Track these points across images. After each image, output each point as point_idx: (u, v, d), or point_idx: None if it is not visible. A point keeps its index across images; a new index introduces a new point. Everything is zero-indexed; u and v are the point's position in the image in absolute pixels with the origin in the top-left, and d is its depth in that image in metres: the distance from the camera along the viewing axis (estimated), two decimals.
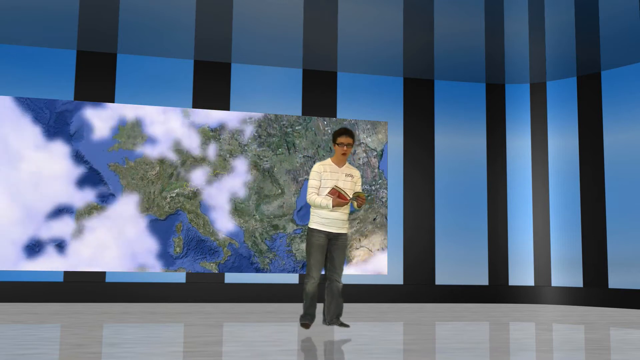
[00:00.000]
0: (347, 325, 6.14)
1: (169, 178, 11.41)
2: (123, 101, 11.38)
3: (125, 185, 11.22)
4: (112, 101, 11.35)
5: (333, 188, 6.05)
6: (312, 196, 6.15)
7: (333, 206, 6.04)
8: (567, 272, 12.19)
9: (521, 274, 12.52)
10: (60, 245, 10.88)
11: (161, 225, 11.30)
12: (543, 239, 12.50)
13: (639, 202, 11.40)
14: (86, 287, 10.94)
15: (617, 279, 11.54)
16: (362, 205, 6.10)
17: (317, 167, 6.20)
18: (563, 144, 12.50)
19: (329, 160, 6.26)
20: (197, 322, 7.33)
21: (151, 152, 11.35)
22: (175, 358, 4.43)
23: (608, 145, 11.90)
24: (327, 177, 6.16)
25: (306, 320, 6.17)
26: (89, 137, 11.19)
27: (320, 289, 11.39)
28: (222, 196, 11.55)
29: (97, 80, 11.36)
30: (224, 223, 11.51)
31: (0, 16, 9.95)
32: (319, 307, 10.42)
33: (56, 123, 11.09)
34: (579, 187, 12.19)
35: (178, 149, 11.46)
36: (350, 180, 6.21)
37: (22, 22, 10.14)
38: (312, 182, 6.18)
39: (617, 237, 11.60)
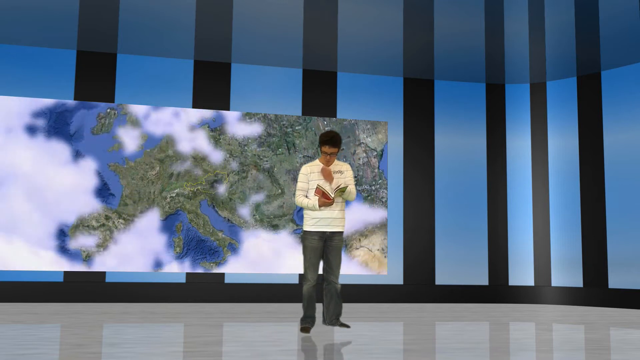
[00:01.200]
0: (347, 326, 6.12)
1: (169, 178, 11.41)
2: (123, 101, 11.38)
3: (125, 185, 11.22)
4: (112, 101, 11.35)
5: (317, 187, 6.04)
6: (299, 198, 6.16)
7: (320, 206, 6.04)
8: (567, 272, 12.19)
9: (521, 274, 12.52)
10: (60, 245, 10.88)
11: (161, 225, 11.29)
12: (543, 239, 12.50)
13: (639, 202, 11.40)
14: (86, 287, 10.94)
15: (617, 279, 11.54)
16: (343, 193, 6.04)
17: (305, 169, 6.21)
18: (563, 144, 12.50)
19: (316, 161, 6.26)
20: (197, 322, 7.33)
21: (150, 151, 11.35)
22: (175, 358, 4.43)
23: (608, 145, 11.90)
24: (315, 177, 6.16)
25: (306, 324, 6.16)
26: (89, 137, 11.19)
27: (319, 290, 11.39)
28: (219, 194, 11.55)
29: (97, 80, 11.36)
30: (224, 222, 11.51)
31: (0, 16, 9.95)
32: (319, 307, 10.42)
33: (56, 123, 11.09)
34: (579, 187, 12.19)
35: (176, 149, 11.46)
36: (340, 177, 6.19)
37: (22, 22, 10.15)
38: (299, 184, 6.19)
39: (617, 237, 11.60)
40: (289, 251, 11.70)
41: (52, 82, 11.17)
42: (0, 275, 10.67)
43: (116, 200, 11.16)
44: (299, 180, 6.22)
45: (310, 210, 6.12)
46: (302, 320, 6.20)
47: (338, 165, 6.26)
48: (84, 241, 10.97)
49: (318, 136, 12.03)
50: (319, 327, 6.95)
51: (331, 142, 6.08)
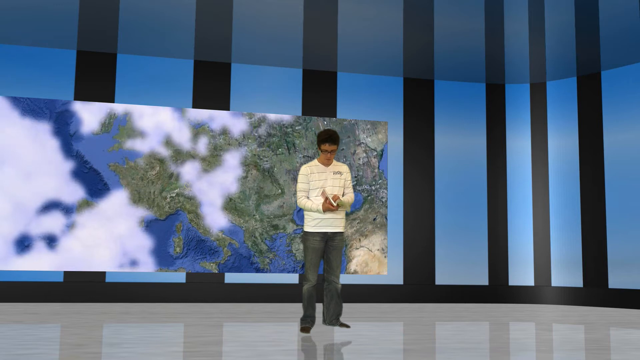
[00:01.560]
0: (347, 326, 6.12)
1: (169, 178, 11.41)
2: (123, 101, 11.39)
3: (125, 185, 11.22)
4: (112, 101, 11.35)
5: (323, 191, 6.05)
6: (302, 200, 6.13)
7: (324, 210, 6.03)
8: (567, 272, 12.19)
9: (521, 274, 12.52)
10: (51, 243, 10.88)
11: (161, 225, 11.30)
12: (543, 239, 12.50)
13: (639, 202, 11.40)
14: (86, 287, 10.94)
15: (617, 279, 11.54)
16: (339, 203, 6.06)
17: (304, 169, 6.19)
18: (563, 144, 12.50)
19: (315, 162, 6.24)
20: (197, 322, 7.33)
21: (151, 151, 11.35)
22: (175, 358, 4.43)
23: (608, 145, 11.90)
24: (315, 178, 6.15)
25: (306, 324, 6.16)
26: (89, 137, 11.19)
27: (319, 290, 11.39)
28: (220, 195, 11.55)
29: (97, 80, 11.36)
30: (222, 221, 11.51)
31: (0, 16, 9.95)
32: (319, 307, 10.42)
33: (56, 123, 11.09)
34: (579, 187, 12.19)
35: (177, 148, 11.46)
36: (339, 178, 6.19)
37: (22, 22, 10.15)
38: (300, 185, 6.17)
39: (617, 237, 11.60)
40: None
41: (52, 82, 11.17)
42: (0, 275, 10.67)
43: (116, 200, 11.15)
44: (299, 181, 6.21)
45: (314, 212, 6.11)
46: (302, 320, 6.21)
47: (337, 166, 6.26)
48: (83, 241, 10.97)
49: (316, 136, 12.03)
50: (319, 327, 6.95)
51: (331, 140, 6.08)
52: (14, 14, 9.86)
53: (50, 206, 10.93)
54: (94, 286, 10.97)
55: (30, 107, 11.03)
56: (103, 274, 11.02)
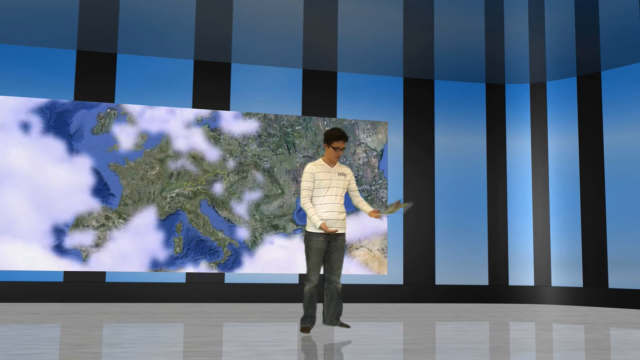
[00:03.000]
0: (347, 326, 6.12)
1: (169, 178, 11.41)
2: (123, 101, 11.39)
3: (125, 185, 11.22)
4: (112, 101, 11.35)
5: (324, 225, 6.03)
6: (306, 203, 6.10)
7: (324, 230, 6.01)
8: (567, 272, 12.19)
9: (521, 274, 12.52)
10: (59, 245, 10.88)
11: (161, 225, 11.29)
12: (543, 239, 12.50)
13: (639, 202, 11.40)
14: (86, 287, 10.94)
15: (617, 279, 11.54)
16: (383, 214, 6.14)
17: (310, 167, 6.14)
18: (563, 144, 12.50)
19: (320, 161, 6.22)
20: (197, 322, 7.33)
21: (151, 151, 11.35)
22: (175, 358, 4.43)
23: (608, 145, 11.90)
24: (320, 177, 6.12)
25: (306, 324, 6.15)
26: (89, 137, 11.19)
27: (320, 290, 11.39)
28: (221, 195, 11.55)
29: (97, 80, 11.36)
30: (222, 221, 11.51)
31: (0, 16, 9.95)
32: (319, 307, 10.42)
33: (56, 123, 11.09)
34: (579, 187, 12.19)
35: (177, 148, 11.46)
36: (343, 179, 6.20)
37: (22, 22, 10.15)
38: (306, 183, 6.12)
39: (617, 237, 11.60)
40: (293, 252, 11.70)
41: (52, 82, 11.17)
42: (0, 275, 10.67)
43: (116, 200, 11.16)
44: (304, 179, 6.14)
45: (310, 219, 6.09)
46: (302, 320, 6.20)
47: (341, 167, 6.27)
48: (83, 241, 10.97)
49: (319, 136, 12.03)
50: (319, 327, 6.95)
51: (344, 138, 6.11)
52: (14, 14, 9.86)
53: (51, 206, 10.92)
54: (94, 286, 10.97)
55: (30, 107, 11.02)
56: (103, 274, 11.02)
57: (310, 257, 6.08)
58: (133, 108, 11.39)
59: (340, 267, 6.16)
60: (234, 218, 11.57)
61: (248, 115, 11.82)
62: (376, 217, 6.03)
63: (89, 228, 11.01)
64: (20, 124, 10.97)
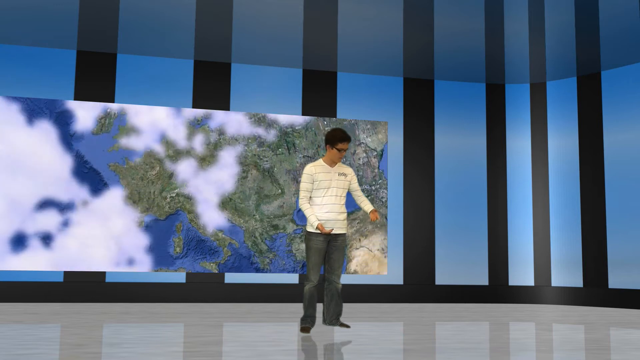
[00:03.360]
0: (347, 326, 6.12)
1: (169, 178, 11.41)
2: (123, 101, 11.39)
3: (125, 185, 11.22)
4: (112, 101, 11.35)
5: (321, 227, 6.01)
6: (304, 204, 6.08)
7: (320, 231, 5.99)
8: (567, 272, 12.19)
9: (521, 274, 12.52)
10: (47, 241, 10.89)
11: (161, 225, 11.30)
12: (543, 239, 12.50)
13: (639, 202, 11.40)
14: (86, 287, 10.94)
15: (617, 279, 11.54)
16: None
17: (309, 168, 6.10)
18: (563, 144, 12.50)
19: (320, 161, 6.17)
20: (197, 322, 7.33)
21: (150, 151, 11.35)
22: (175, 358, 4.43)
23: (608, 145, 11.90)
24: (320, 178, 6.07)
25: (306, 324, 6.13)
26: (89, 137, 11.19)
27: (320, 290, 11.39)
28: (220, 195, 11.55)
29: (97, 80, 11.36)
30: (222, 221, 11.51)
31: (0, 16, 9.95)
32: (319, 307, 10.42)
33: (56, 123, 11.09)
34: (579, 187, 12.19)
35: (177, 148, 11.46)
36: (344, 179, 6.16)
37: (22, 22, 10.15)
38: (304, 184, 6.09)
39: (617, 237, 11.60)
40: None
41: (52, 82, 11.17)
42: (0, 275, 10.67)
43: (116, 199, 11.15)
44: (302, 180, 6.11)
45: (308, 219, 6.08)
46: (302, 320, 6.19)
47: (342, 167, 6.22)
48: (83, 240, 10.97)
49: (319, 136, 12.03)
50: (319, 327, 6.95)
51: (348, 139, 6.09)
52: (14, 14, 9.86)
53: (51, 206, 10.92)
54: (94, 286, 10.97)
55: (30, 107, 11.03)
56: (103, 274, 11.02)
57: (310, 257, 6.06)
58: (133, 108, 11.39)
59: (340, 267, 6.14)
60: (234, 218, 11.57)
61: (248, 115, 11.81)
62: (374, 218, 5.96)
63: (89, 228, 11.00)
64: (20, 124, 10.97)
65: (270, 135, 11.78)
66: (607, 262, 11.67)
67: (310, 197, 6.14)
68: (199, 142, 11.56)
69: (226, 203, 11.56)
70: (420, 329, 6.96)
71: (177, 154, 11.47)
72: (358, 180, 12.10)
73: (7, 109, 10.94)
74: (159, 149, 11.41)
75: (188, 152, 11.51)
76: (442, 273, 12.34)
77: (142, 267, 11.14)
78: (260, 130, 11.79)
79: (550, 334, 6.53)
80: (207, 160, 11.57)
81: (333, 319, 6.17)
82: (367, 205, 6.17)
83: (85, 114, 11.20)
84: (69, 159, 11.07)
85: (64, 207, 10.97)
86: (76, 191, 11.04)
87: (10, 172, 10.86)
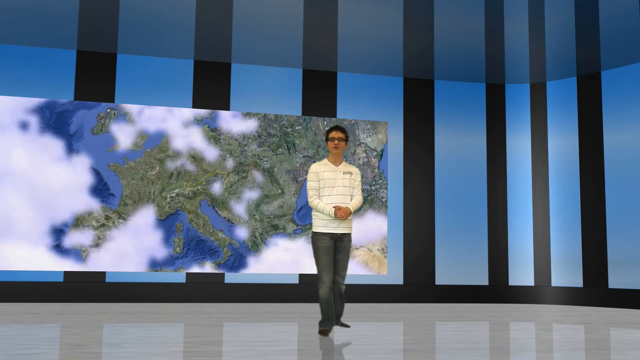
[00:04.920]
0: (347, 326, 6.13)
1: (169, 178, 11.41)
2: (123, 101, 11.39)
3: (125, 185, 11.22)
4: (112, 101, 11.35)
5: (335, 209, 5.96)
6: (314, 200, 6.04)
7: (336, 216, 5.94)
8: (567, 272, 12.19)
9: (521, 274, 12.52)
10: (59, 245, 10.88)
11: (161, 225, 11.29)
12: (543, 239, 12.50)
13: (639, 202, 11.40)
14: (86, 287, 10.94)
15: (617, 279, 11.54)
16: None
17: (314, 167, 6.11)
18: (563, 144, 12.49)
19: (325, 160, 6.17)
20: (197, 322, 7.33)
21: (151, 151, 11.35)
22: (175, 358, 4.43)
23: (608, 145, 11.90)
24: (325, 176, 6.06)
25: (325, 327, 6.04)
26: (89, 137, 11.19)
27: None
28: (220, 195, 11.55)
29: (97, 80, 11.36)
30: (222, 221, 11.51)
31: (0, 16, 9.94)
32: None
33: (56, 123, 11.09)
34: (579, 187, 12.19)
35: (177, 148, 11.46)
36: (349, 178, 6.12)
37: (22, 22, 10.14)
38: (311, 183, 6.07)
39: (617, 237, 11.60)
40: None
41: (52, 82, 11.17)
42: (0, 275, 10.67)
43: (116, 200, 11.16)
44: (309, 179, 6.09)
45: (324, 214, 6.02)
46: (322, 323, 6.07)
47: (348, 166, 6.19)
48: (83, 241, 10.97)
49: (319, 136, 12.03)
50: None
51: (337, 128, 6.09)
52: (14, 14, 9.86)
53: (51, 206, 10.92)
54: (94, 286, 10.97)
55: (30, 107, 11.02)
56: (103, 274, 11.02)
57: (319, 258, 5.98)
58: (133, 108, 11.39)
59: (344, 268, 6.10)
60: (234, 218, 11.57)
61: (248, 115, 11.81)
62: (339, 214, 5.89)
63: (89, 228, 11.01)
64: (20, 124, 10.97)
65: (265, 133, 11.78)
66: (607, 262, 11.67)
67: (319, 196, 6.10)
68: (199, 142, 11.56)
69: (226, 203, 11.56)
70: (420, 329, 6.96)
71: (177, 154, 11.47)
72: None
73: (6, 109, 10.94)
74: (159, 149, 11.41)
75: (188, 152, 11.51)
76: (442, 273, 12.34)
77: (142, 267, 11.14)
78: (260, 130, 11.78)
79: (550, 334, 6.53)
80: (207, 160, 11.57)
81: (337, 318, 6.21)
82: (353, 204, 6.09)
83: (86, 114, 11.20)
84: (68, 158, 11.07)
85: (64, 208, 10.96)
86: (76, 191, 11.04)
87: (10, 171, 10.85)
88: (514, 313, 9.80)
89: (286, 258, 11.67)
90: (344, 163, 6.20)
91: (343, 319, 7.99)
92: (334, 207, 5.95)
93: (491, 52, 11.24)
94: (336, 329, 6.83)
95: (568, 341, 5.88)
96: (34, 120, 11.01)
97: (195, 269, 11.34)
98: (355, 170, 6.20)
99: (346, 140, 6.14)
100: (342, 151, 6.15)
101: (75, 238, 10.94)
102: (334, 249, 6.04)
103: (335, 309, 6.14)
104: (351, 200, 6.13)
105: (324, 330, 6.03)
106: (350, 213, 5.99)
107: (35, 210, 10.88)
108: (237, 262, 11.51)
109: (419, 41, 10.77)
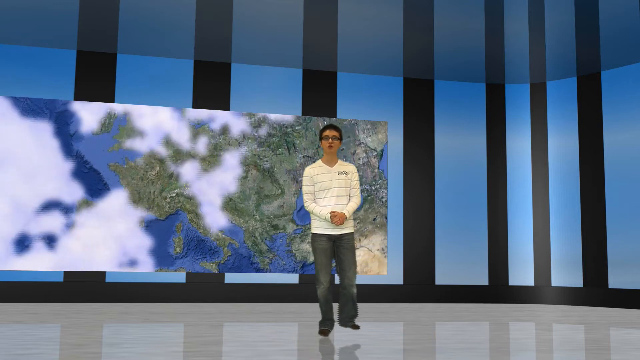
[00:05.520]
0: (357, 327, 5.97)
1: (169, 178, 11.41)
2: (123, 101, 11.39)
3: (125, 185, 11.22)
4: (112, 101, 11.35)
5: (331, 214, 5.83)
6: (310, 205, 5.91)
7: (332, 221, 5.80)
8: (567, 272, 12.19)
9: (521, 274, 12.52)
10: (51, 243, 10.89)
11: (161, 225, 11.29)
12: (543, 239, 12.50)
13: (639, 202, 11.40)
14: (86, 287, 10.94)
15: (617, 279, 11.54)
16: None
17: (308, 171, 5.95)
18: (563, 144, 12.50)
19: (319, 162, 5.99)
20: (197, 322, 7.33)
21: (151, 151, 11.35)
22: (175, 358, 4.43)
23: (608, 145, 11.90)
24: (320, 179, 5.91)
25: (325, 327, 5.96)
26: (89, 137, 11.19)
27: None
28: (220, 195, 11.55)
29: (97, 80, 11.36)
30: (222, 221, 11.51)
31: (0, 16, 9.95)
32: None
33: (56, 123, 11.09)
34: (579, 187, 12.19)
35: (177, 148, 11.46)
36: (344, 178, 5.93)
37: (22, 22, 10.15)
38: (306, 187, 5.94)
39: (617, 237, 11.60)
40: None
41: (52, 82, 11.17)
42: (0, 275, 10.67)
43: (116, 199, 11.15)
44: (303, 183, 5.95)
45: (319, 216, 5.90)
46: (321, 323, 6.00)
47: (343, 165, 6.00)
48: (83, 241, 10.97)
49: (318, 136, 12.03)
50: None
51: (331, 127, 5.92)
52: (14, 14, 9.86)
53: (51, 206, 10.92)
54: (94, 286, 10.97)
55: (30, 107, 11.03)
56: (103, 274, 11.02)
57: (317, 259, 5.87)
58: (133, 108, 11.39)
59: (351, 267, 5.87)
60: (234, 218, 11.57)
61: (248, 115, 11.81)
62: (335, 219, 5.77)
63: (89, 228, 11.00)
64: (20, 124, 10.97)
65: (263, 131, 11.78)
66: (607, 262, 11.67)
67: (315, 200, 5.97)
68: (199, 142, 11.56)
69: (226, 203, 11.56)
70: (420, 329, 6.95)
71: (177, 154, 11.47)
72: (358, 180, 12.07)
73: (7, 109, 10.94)
74: (159, 149, 11.41)
75: (188, 152, 11.51)
76: (442, 273, 12.34)
77: (142, 267, 11.14)
78: (260, 130, 11.79)
79: (550, 334, 6.53)
80: (207, 160, 11.57)
81: (347, 320, 5.99)
82: (345, 207, 5.94)
83: (85, 114, 11.20)
84: (68, 158, 11.07)
85: (64, 208, 10.96)
86: (77, 191, 11.04)
87: (9, 171, 10.86)
88: (514, 313, 9.80)
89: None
90: (339, 162, 6.01)
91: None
92: (330, 213, 5.82)
93: (491, 52, 11.24)
94: (337, 329, 6.83)
95: (568, 341, 5.89)
96: (33, 120, 11.00)
97: (195, 269, 11.34)
98: (350, 168, 6.01)
99: (340, 139, 5.98)
100: (336, 150, 5.97)
101: (75, 238, 10.94)
102: (332, 250, 5.92)
103: (347, 312, 5.90)
104: (349, 201, 5.97)
105: (324, 330, 5.95)
106: (347, 218, 5.85)
107: (35, 210, 10.87)
108: (237, 262, 11.51)
109: (419, 41, 10.77)
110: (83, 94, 11.28)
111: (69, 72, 11.27)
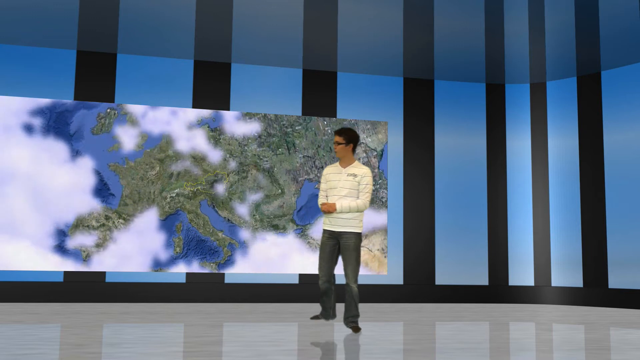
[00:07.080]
0: (357, 330, 6.21)
1: (169, 178, 11.41)
2: (123, 101, 11.39)
3: (125, 185, 11.23)
4: (112, 101, 11.35)
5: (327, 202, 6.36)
6: (319, 201, 6.43)
7: (321, 209, 6.27)
8: (567, 272, 12.19)
9: (521, 274, 12.52)
10: (60, 245, 10.88)
11: (161, 225, 11.29)
12: (543, 239, 12.50)
13: (639, 202, 11.40)
14: (86, 287, 10.94)
15: (617, 279, 11.54)
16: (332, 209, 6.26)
17: (325, 170, 6.46)
18: (563, 144, 12.50)
19: (337, 163, 6.46)
20: (197, 322, 7.33)
21: (151, 151, 11.36)
22: (175, 358, 4.43)
23: (608, 145, 11.90)
24: (330, 178, 6.35)
25: (317, 315, 6.42)
26: (89, 137, 11.19)
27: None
28: (220, 195, 11.55)
29: (97, 80, 11.36)
30: (222, 221, 11.51)
31: (0, 16, 9.95)
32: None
33: (56, 123, 11.09)
34: (579, 187, 12.19)
35: (177, 148, 11.46)
36: (352, 180, 6.28)
37: (22, 22, 10.15)
38: (320, 185, 6.47)
39: (617, 237, 11.60)
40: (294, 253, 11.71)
41: (52, 82, 11.17)
42: (0, 275, 10.67)
43: (116, 200, 11.16)
44: (320, 181, 6.52)
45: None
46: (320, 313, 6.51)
47: (355, 168, 6.36)
48: (83, 241, 10.97)
49: (319, 136, 12.03)
50: (320, 327, 6.94)
51: (336, 132, 6.36)
52: (14, 14, 9.86)
53: (51, 207, 10.93)
54: (94, 286, 10.97)
55: (30, 107, 11.02)
56: (103, 274, 11.02)
57: (319, 253, 6.32)
58: (133, 108, 11.40)
59: (349, 266, 6.21)
60: (234, 218, 11.57)
61: (248, 115, 11.82)
62: (325, 209, 6.21)
63: (90, 228, 11.01)
64: (20, 124, 10.97)
65: (265, 132, 11.78)
66: (607, 262, 11.67)
67: (325, 195, 6.45)
68: (199, 142, 11.56)
69: (226, 203, 11.56)
70: (420, 329, 6.96)
71: (177, 154, 11.47)
72: None
73: (7, 109, 10.94)
74: (159, 149, 11.41)
75: (188, 152, 11.51)
76: (442, 273, 12.34)
77: (142, 267, 11.14)
78: (260, 130, 11.79)
79: (550, 334, 6.53)
80: (207, 160, 11.57)
81: (347, 321, 6.29)
82: (345, 202, 6.24)
83: (86, 114, 11.20)
84: (68, 158, 11.07)
85: (65, 208, 10.96)
86: (77, 191, 11.04)
87: (8, 171, 10.86)
88: (514, 313, 9.80)
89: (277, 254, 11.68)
90: (352, 164, 6.38)
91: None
92: (321, 204, 6.32)
93: (491, 52, 11.24)
94: (338, 328, 6.83)
95: (568, 341, 5.89)
96: (34, 121, 11.00)
97: (195, 269, 11.34)
98: (361, 172, 6.32)
99: (346, 142, 6.31)
100: (344, 154, 6.39)
101: (76, 238, 10.94)
102: (334, 247, 6.30)
103: (347, 311, 6.25)
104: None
105: (315, 316, 6.41)
106: (335, 209, 6.21)
107: (35, 210, 10.87)
108: (237, 262, 11.51)
109: (419, 41, 10.77)
110: (83, 94, 11.28)
111: (69, 72, 11.27)
